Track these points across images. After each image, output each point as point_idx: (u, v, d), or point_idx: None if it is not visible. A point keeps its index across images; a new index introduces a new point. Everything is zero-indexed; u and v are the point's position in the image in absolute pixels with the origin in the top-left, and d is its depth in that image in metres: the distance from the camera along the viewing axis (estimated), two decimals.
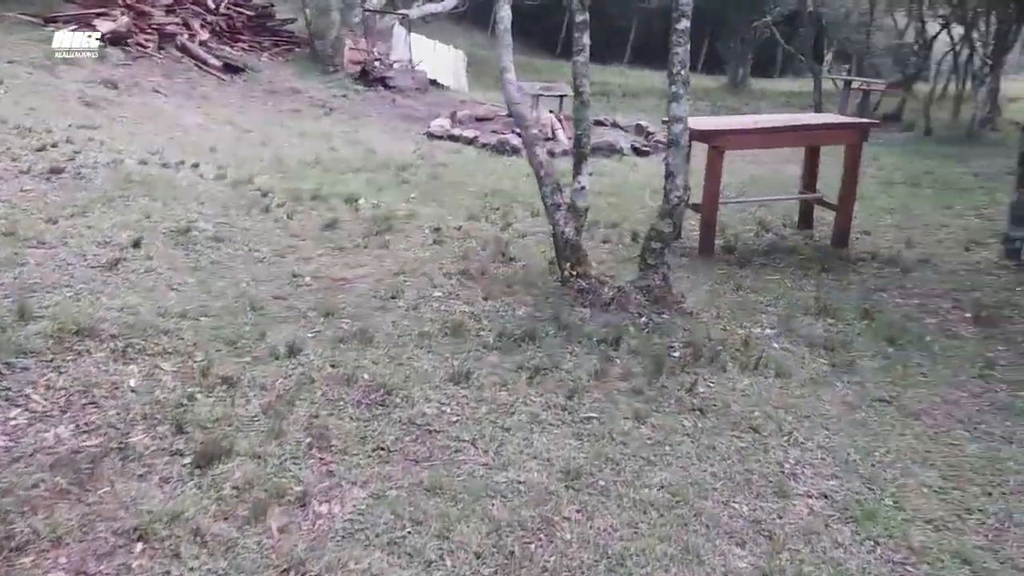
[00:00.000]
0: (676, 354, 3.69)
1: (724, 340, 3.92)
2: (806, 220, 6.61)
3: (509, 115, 13.19)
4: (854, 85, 13.13)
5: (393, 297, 4.31)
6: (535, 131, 4.51)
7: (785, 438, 3.12)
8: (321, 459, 2.80)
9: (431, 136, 10.56)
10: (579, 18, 4.16)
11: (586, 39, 4.10)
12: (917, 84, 17.36)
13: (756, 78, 21.16)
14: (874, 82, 13.61)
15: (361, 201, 6.74)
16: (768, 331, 4.13)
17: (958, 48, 13.68)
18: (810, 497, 2.76)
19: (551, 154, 9.98)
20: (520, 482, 2.72)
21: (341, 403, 3.16)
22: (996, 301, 4.88)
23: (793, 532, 2.57)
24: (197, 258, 4.78)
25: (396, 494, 2.63)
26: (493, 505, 2.59)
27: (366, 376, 3.33)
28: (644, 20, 26.39)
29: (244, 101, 11.65)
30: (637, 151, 10.05)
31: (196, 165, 7.62)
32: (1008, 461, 3.05)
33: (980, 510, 2.74)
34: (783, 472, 2.91)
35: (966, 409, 3.45)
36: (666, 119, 4.22)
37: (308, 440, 2.89)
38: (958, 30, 13.87)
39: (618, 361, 3.61)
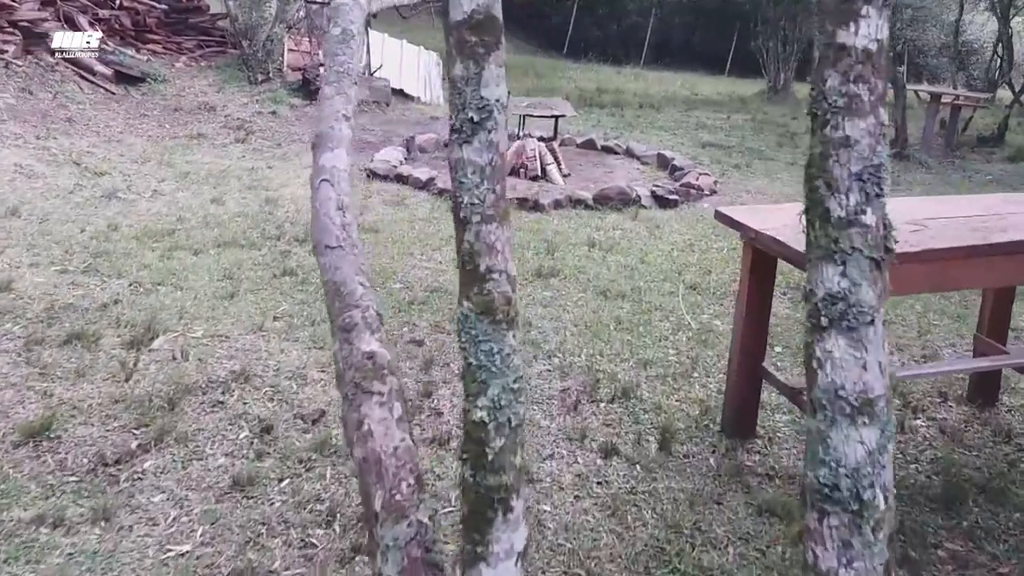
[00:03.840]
0: None
1: None
2: (985, 389, 3.52)
3: None
4: (944, 99, 9.96)
5: None
6: (360, 313, 1.46)
7: None
8: None
9: (372, 175, 7.53)
10: None
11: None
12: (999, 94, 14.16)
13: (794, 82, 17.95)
14: (968, 95, 10.45)
15: (158, 341, 3.72)
16: None
17: None
18: None
19: (535, 205, 6.94)
20: None
21: None
22: None
23: None
24: None
25: None
26: None
27: None
28: (663, 15, 23.25)
29: (129, 124, 8.68)
30: (660, 201, 6.98)
31: None
32: None
33: None
34: None
35: None
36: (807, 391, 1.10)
37: None
38: None
39: None
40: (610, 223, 6.47)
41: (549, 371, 3.74)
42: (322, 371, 3.58)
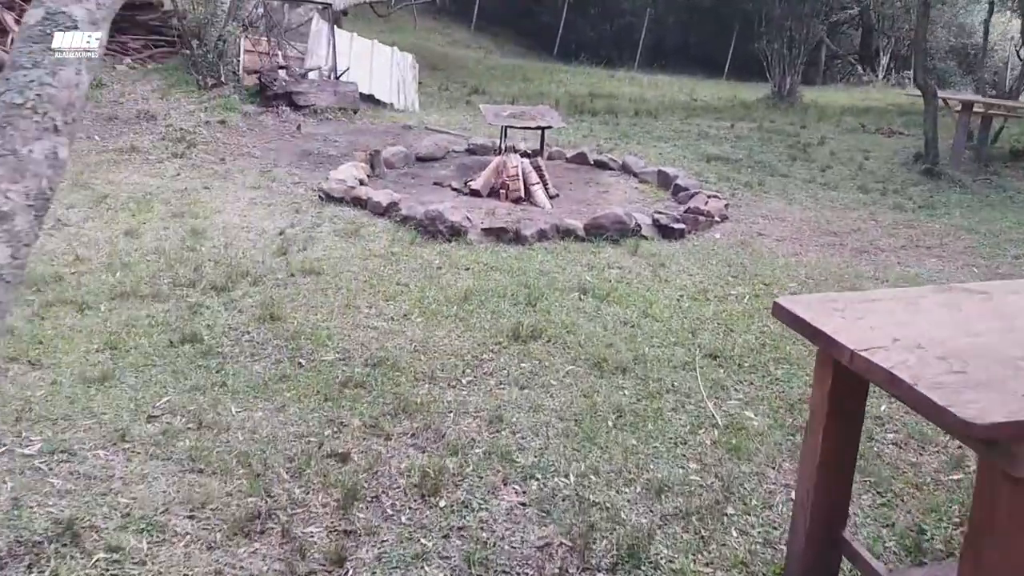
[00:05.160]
0: None
1: None
2: None
3: (470, 151, 9.04)
4: (976, 108, 8.92)
5: None
6: None
7: None
8: None
9: (326, 197, 6.41)
10: None
11: None
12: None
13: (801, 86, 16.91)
14: (1001, 103, 9.40)
15: None
16: None
17: None
18: None
19: (516, 237, 5.75)
20: None
21: None
22: None
23: None
24: None
25: None
26: None
27: None
28: (658, 15, 22.20)
29: None
30: (664, 230, 5.90)
31: None
32: None
33: None
34: None
35: None
36: None
37: None
38: None
39: None
40: (605, 259, 5.38)
41: (523, 506, 2.64)
42: (192, 514, 2.47)
